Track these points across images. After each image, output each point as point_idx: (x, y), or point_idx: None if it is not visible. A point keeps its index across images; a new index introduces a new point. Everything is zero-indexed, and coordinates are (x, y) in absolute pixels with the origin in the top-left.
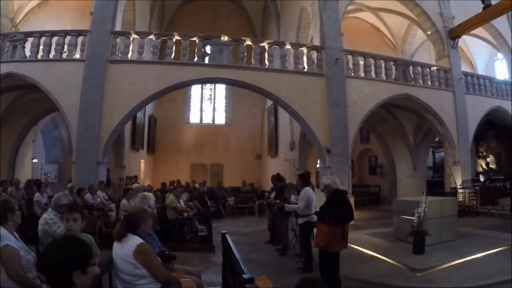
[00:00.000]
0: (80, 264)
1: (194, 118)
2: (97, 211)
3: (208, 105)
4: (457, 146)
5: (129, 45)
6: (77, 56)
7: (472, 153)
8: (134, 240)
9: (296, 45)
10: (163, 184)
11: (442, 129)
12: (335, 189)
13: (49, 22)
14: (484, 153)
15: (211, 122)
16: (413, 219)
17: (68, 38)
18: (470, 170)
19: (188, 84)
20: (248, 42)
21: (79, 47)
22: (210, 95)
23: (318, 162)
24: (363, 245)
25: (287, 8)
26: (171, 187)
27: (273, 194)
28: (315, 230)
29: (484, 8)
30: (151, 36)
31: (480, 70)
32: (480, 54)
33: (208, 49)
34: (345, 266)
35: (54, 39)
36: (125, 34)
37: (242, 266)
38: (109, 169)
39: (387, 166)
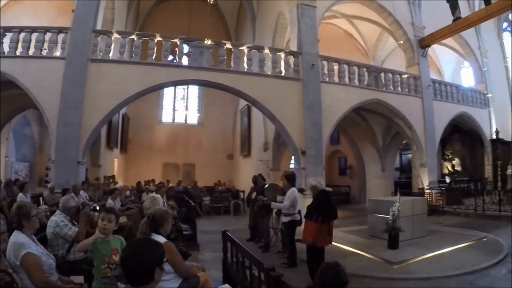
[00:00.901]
0: (160, 261)
1: (166, 117)
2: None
3: (181, 104)
4: (424, 149)
5: (111, 45)
6: (58, 53)
7: (438, 156)
8: (159, 239)
9: (274, 50)
10: (139, 183)
11: (411, 133)
12: (321, 190)
13: (26, 17)
14: (450, 156)
15: (184, 122)
16: (387, 217)
17: (48, 34)
18: (437, 172)
19: (169, 85)
20: (228, 46)
21: (59, 44)
22: (183, 94)
23: (292, 162)
24: (342, 242)
25: (263, 11)
26: (147, 186)
27: (253, 194)
28: (298, 228)
29: (454, 21)
30: (133, 36)
31: (447, 77)
32: (447, 62)
33: (184, 48)
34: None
35: (34, 35)
36: (107, 33)
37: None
38: (87, 169)
39: (357, 167)
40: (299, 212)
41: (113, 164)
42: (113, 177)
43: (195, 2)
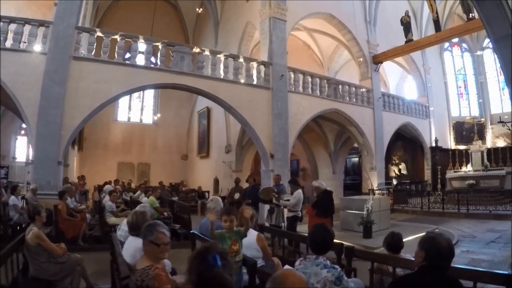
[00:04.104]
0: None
1: (122, 116)
2: (80, 213)
3: (136, 103)
4: (374, 154)
5: (94, 43)
6: (38, 48)
7: (386, 160)
8: (252, 233)
9: (247, 60)
10: (106, 183)
11: (362, 140)
12: (323, 190)
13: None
14: (397, 161)
15: (139, 121)
16: (360, 213)
17: (28, 27)
18: (384, 175)
19: (149, 87)
20: (207, 53)
21: (40, 38)
22: (139, 94)
23: (259, 164)
24: None
25: (229, 18)
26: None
27: (237, 195)
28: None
29: (406, 42)
30: (116, 36)
31: (392, 89)
32: (393, 75)
33: (141, 47)
34: None
35: (12, 26)
36: (90, 31)
37: None
38: None
39: (310, 169)
40: (301, 210)
41: (74, 163)
42: (83, 177)
43: (155, 2)
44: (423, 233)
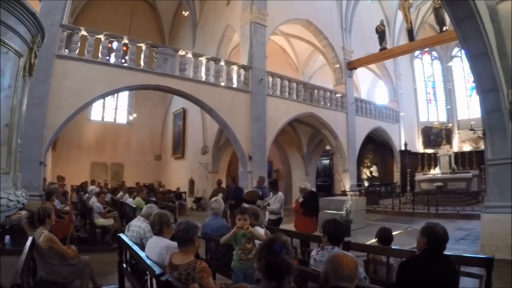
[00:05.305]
0: None
1: (96, 115)
2: (68, 215)
3: (110, 103)
4: (346, 157)
5: (78, 42)
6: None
7: (358, 163)
8: (260, 231)
9: (228, 63)
10: (83, 183)
11: (336, 143)
12: (309, 191)
13: None
14: (368, 164)
15: (113, 121)
16: (339, 213)
17: None
18: (356, 177)
19: (133, 88)
20: (189, 55)
21: None
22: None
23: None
24: None
25: (208, 20)
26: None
27: (220, 195)
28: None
29: (380, 50)
30: (101, 36)
31: (363, 93)
32: (364, 80)
33: (114, 45)
34: None
35: None
36: (75, 29)
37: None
38: None
39: (283, 171)
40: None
41: (48, 163)
42: (63, 178)
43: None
44: (399, 231)
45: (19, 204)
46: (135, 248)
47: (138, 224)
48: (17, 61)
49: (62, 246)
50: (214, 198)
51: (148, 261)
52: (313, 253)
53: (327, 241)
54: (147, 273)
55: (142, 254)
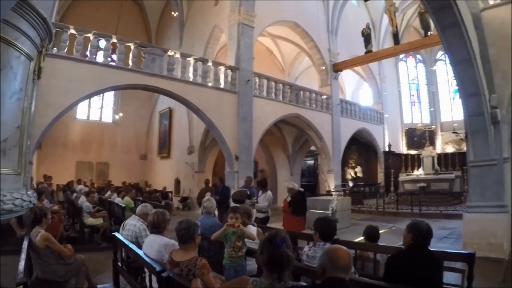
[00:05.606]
0: None
1: (81, 114)
2: (57, 214)
3: (96, 101)
4: (331, 158)
5: (66, 40)
6: None
7: (342, 163)
8: (252, 229)
9: (216, 64)
10: (69, 183)
11: (321, 144)
12: (297, 191)
13: None
14: (353, 164)
15: (99, 120)
16: (325, 212)
17: None
18: (340, 177)
19: (121, 88)
20: (177, 55)
21: None
22: None
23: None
24: None
25: (196, 20)
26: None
27: (207, 194)
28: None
29: (366, 53)
30: (89, 35)
31: (348, 95)
32: (349, 82)
33: (101, 44)
34: None
35: None
36: (63, 27)
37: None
38: None
39: (269, 171)
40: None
41: (34, 161)
42: (50, 177)
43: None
44: (383, 230)
45: (30, 204)
46: (133, 246)
47: (134, 223)
48: (28, 64)
49: (59, 245)
50: (206, 197)
51: (148, 259)
52: (306, 249)
53: (318, 238)
54: (145, 270)
55: (140, 252)
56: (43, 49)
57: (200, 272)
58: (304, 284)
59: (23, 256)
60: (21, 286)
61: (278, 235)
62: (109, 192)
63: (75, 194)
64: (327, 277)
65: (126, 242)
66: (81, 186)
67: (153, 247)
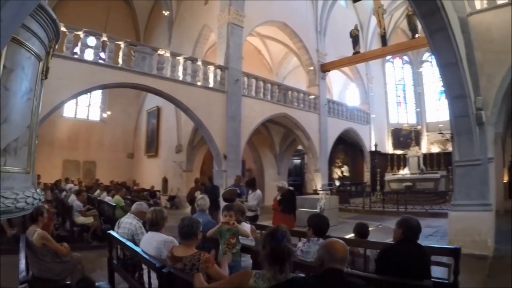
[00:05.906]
0: None
1: (68, 112)
2: (48, 213)
3: (83, 99)
4: (318, 157)
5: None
6: None
7: (329, 163)
8: (245, 226)
9: (205, 63)
10: (57, 181)
11: (308, 143)
12: (287, 189)
13: None
14: (340, 164)
15: (86, 118)
16: (314, 211)
17: None
18: (327, 176)
19: (111, 86)
20: (167, 54)
21: None
22: None
23: (213, 165)
24: None
25: (185, 19)
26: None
27: (197, 193)
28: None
29: (354, 53)
30: (80, 33)
31: (335, 95)
32: (336, 82)
33: (88, 41)
34: None
35: None
36: None
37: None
38: None
39: (256, 170)
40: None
41: None
42: (38, 176)
43: None
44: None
45: (39, 202)
46: (130, 244)
47: (129, 221)
48: (37, 65)
49: (56, 243)
50: (200, 196)
51: (147, 256)
52: (300, 244)
53: (312, 234)
54: (143, 267)
55: (138, 249)
56: (51, 50)
57: (204, 266)
58: (303, 275)
59: (22, 255)
60: (26, 284)
61: (280, 230)
62: (98, 191)
63: (64, 193)
64: (326, 268)
65: (123, 239)
66: (70, 185)
67: (152, 244)
